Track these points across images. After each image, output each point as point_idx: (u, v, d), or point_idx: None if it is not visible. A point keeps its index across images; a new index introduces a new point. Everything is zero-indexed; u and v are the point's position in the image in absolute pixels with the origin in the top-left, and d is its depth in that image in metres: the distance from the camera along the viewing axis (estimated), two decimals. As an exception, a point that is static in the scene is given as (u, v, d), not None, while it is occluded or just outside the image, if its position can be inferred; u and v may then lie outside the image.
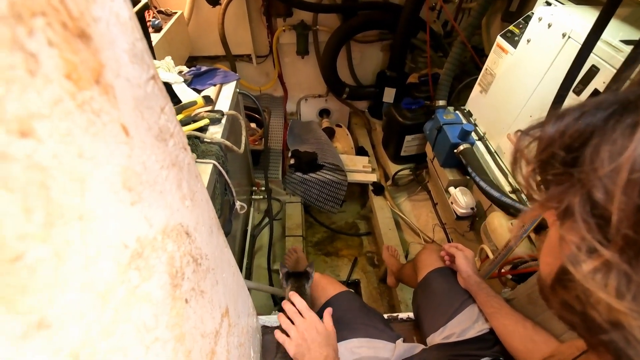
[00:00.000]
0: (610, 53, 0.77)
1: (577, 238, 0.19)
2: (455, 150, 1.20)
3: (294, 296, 0.66)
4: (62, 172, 0.13)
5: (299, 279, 0.77)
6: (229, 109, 1.02)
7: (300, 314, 0.64)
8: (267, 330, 0.84)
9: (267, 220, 1.63)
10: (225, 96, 1.08)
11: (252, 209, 1.65)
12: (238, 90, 1.17)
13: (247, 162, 1.55)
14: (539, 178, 0.23)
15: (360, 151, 2.05)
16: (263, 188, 1.58)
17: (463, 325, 0.72)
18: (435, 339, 0.74)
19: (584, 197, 0.19)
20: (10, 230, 0.11)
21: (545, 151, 0.22)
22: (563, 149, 0.21)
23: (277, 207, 1.82)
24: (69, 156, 0.14)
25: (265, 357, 0.77)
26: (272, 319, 0.86)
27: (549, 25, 0.94)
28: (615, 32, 0.82)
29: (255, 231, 1.63)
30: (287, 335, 0.61)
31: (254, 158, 1.67)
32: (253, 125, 1.85)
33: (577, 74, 0.74)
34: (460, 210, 1.21)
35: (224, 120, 0.96)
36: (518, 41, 1.06)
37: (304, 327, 0.61)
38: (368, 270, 1.83)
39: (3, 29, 0.11)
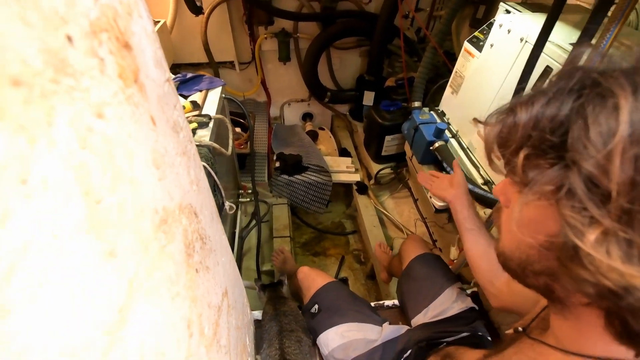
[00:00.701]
0: (561, 55, 0.87)
1: (579, 214, 0.22)
2: (431, 148, 1.29)
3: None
4: (120, 146, 0.18)
5: (273, 289, 0.85)
6: (216, 113, 1.06)
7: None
8: (258, 324, 0.87)
9: (254, 222, 1.66)
10: (211, 101, 1.12)
11: (239, 212, 1.67)
12: (224, 95, 1.21)
13: (234, 165, 1.58)
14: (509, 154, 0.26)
15: (343, 152, 2.11)
16: (250, 191, 1.62)
17: (444, 306, 0.78)
18: (419, 320, 0.80)
19: (583, 177, 0.21)
20: (95, 181, 0.15)
21: (523, 136, 0.25)
22: (549, 133, 0.23)
23: (264, 209, 1.86)
24: (123, 135, 0.18)
25: (256, 348, 0.80)
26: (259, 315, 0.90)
27: (509, 31, 1.04)
28: (567, 36, 0.92)
29: (243, 233, 1.66)
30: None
31: (239, 162, 1.70)
32: (238, 129, 1.89)
33: (530, 72, 0.83)
34: (438, 204, 1.29)
35: (211, 124, 0.99)
36: (483, 46, 1.15)
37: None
38: (355, 268, 1.88)
39: (88, 41, 0.15)
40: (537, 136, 0.24)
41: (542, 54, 0.82)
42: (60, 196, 0.12)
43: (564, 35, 0.90)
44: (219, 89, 1.19)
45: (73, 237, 0.13)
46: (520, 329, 0.42)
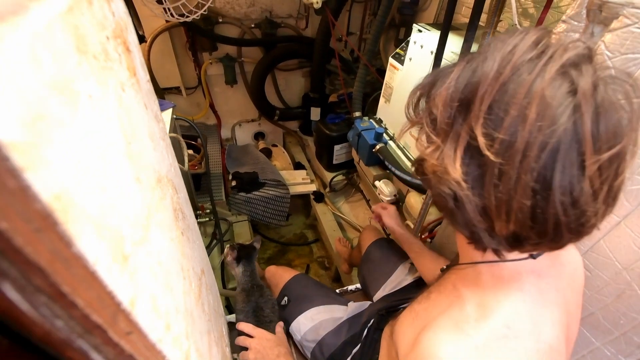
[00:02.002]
0: (456, 59, 1.09)
1: (424, 136, 0.35)
2: (373, 150, 1.45)
3: (240, 325, 0.76)
4: (133, 113, 0.25)
5: (248, 256, 0.87)
6: (169, 133, 1.10)
7: (251, 335, 0.74)
8: (232, 327, 0.90)
9: (215, 241, 1.66)
10: (164, 122, 1.16)
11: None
12: (175, 116, 1.25)
13: (190, 185, 1.59)
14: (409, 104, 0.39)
15: (297, 166, 2.22)
16: (208, 210, 1.63)
17: (399, 279, 0.89)
18: (379, 295, 0.90)
19: (428, 112, 0.35)
20: (126, 129, 0.23)
21: (418, 89, 0.38)
22: (427, 87, 0.36)
23: (225, 227, 1.86)
24: (133, 107, 0.26)
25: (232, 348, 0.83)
26: (233, 317, 0.93)
27: (422, 47, 1.25)
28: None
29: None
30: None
31: (195, 182, 1.71)
32: (190, 151, 1.90)
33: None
34: (386, 199, 1.44)
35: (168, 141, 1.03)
36: (404, 60, 1.37)
37: (255, 343, 0.73)
38: (321, 274, 1.95)
39: (112, 43, 0.23)
40: (421, 88, 0.37)
41: (442, 60, 1.02)
42: (115, 130, 0.20)
43: (459, 45, 1.12)
44: (170, 110, 1.23)
45: (121, 158, 0.21)
46: (444, 267, 0.54)
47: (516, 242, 0.33)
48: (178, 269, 0.31)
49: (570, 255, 0.46)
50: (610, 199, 0.30)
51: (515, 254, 0.37)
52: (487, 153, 0.29)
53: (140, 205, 0.23)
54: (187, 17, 0.97)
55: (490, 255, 0.39)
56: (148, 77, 0.35)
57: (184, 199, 0.44)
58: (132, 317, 0.17)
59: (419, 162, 0.37)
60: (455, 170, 0.31)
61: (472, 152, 0.31)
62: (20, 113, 0.10)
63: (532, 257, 0.39)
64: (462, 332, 0.37)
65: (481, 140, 0.29)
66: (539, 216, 0.30)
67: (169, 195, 0.34)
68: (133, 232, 0.20)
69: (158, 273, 0.23)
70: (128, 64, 0.26)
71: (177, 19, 1.00)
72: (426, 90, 0.36)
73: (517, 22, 0.69)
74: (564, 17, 0.55)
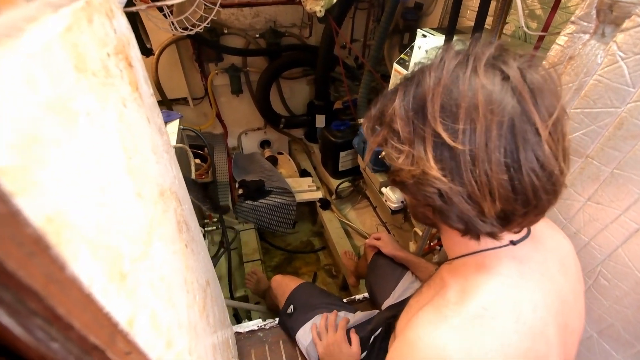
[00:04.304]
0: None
1: (392, 149, 0.37)
2: (379, 156, 1.44)
3: (333, 314, 0.80)
4: (135, 128, 0.25)
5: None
6: (176, 143, 1.11)
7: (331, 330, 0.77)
8: (239, 337, 0.89)
9: (223, 250, 1.66)
10: (170, 132, 1.17)
11: (206, 241, 1.67)
12: (181, 127, 1.27)
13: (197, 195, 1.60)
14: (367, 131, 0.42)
15: (303, 173, 2.22)
16: (215, 219, 1.63)
17: (405, 286, 0.88)
18: (388, 303, 0.88)
19: (389, 129, 0.38)
20: (127, 143, 0.23)
21: (370, 118, 0.41)
22: (378, 113, 0.40)
23: (232, 236, 1.86)
24: (135, 122, 0.26)
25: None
26: (243, 326, 0.92)
27: (426, 51, 1.25)
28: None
29: (213, 261, 1.64)
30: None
31: (202, 192, 1.72)
32: (197, 161, 1.92)
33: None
34: (393, 205, 1.43)
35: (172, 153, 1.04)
36: (408, 65, 1.36)
37: (332, 341, 0.76)
38: (328, 282, 1.93)
39: (114, 59, 0.24)
40: (373, 116, 0.41)
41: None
42: (115, 145, 0.20)
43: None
44: (177, 121, 1.25)
45: (122, 173, 0.21)
46: (437, 266, 0.54)
47: (506, 219, 0.36)
48: (181, 282, 0.31)
49: (556, 241, 0.48)
50: (566, 158, 0.35)
51: (498, 241, 0.40)
52: (454, 144, 0.33)
53: (142, 220, 0.23)
54: (191, 30, 0.99)
55: (474, 246, 0.42)
56: (152, 90, 0.35)
57: (188, 210, 0.44)
58: (131, 336, 0.17)
59: (395, 175, 0.39)
60: (431, 167, 0.34)
61: (440, 148, 0.34)
62: (11, 138, 0.10)
63: (512, 243, 0.42)
64: (441, 314, 0.39)
65: (445, 135, 0.33)
66: (518, 187, 0.33)
67: (172, 207, 0.34)
68: (133, 248, 0.19)
69: (159, 288, 0.23)
70: (130, 79, 0.26)
71: (181, 32, 1.02)
72: (377, 118, 0.40)
73: (523, 25, 0.68)
74: (572, 18, 0.55)
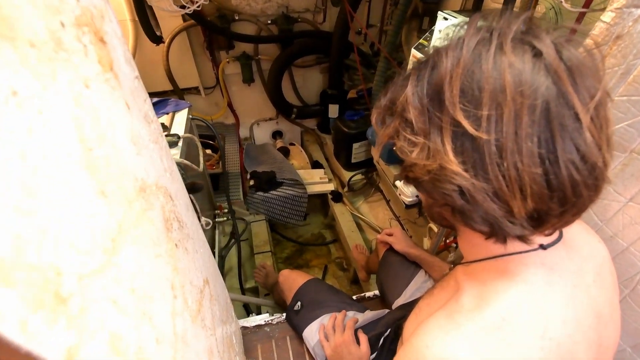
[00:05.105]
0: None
1: (405, 141, 0.33)
2: (394, 148, 1.38)
3: (341, 314, 0.77)
4: (103, 114, 0.22)
5: None
6: (184, 133, 1.09)
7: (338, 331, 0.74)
8: (246, 331, 0.88)
9: (233, 240, 1.65)
10: (179, 122, 1.15)
11: (217, 232, 1.66)
12: (190, 116, 1.25)
13: (207, 186, 1.59)
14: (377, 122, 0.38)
15: (315, 165, 2.18)
16: (226, 210, 1.62)
17: (417, 285, 0.83)
18: (399, 302, 0.84)
19: (401, 119, 0.34)
20: (87, 133, 0.19)
21: (380, 108, 0.37)
22: (388, 102, 0.36)
23: (242, 227, 1.86)
24: (104, 106, 0.22)
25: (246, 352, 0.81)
26: (250, 321, 0.90)
27: (440, 31, 1.17)
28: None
29: (223, 252, 1.64)
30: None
31: (213, 182, 1.71)
32: (208, 151, 1.90)
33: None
34: (407, 199, 1.37)
35: (180, 143, 1.02)
36: (428, 51, 1.28)
37: (339, 342, 0.72)
38: (339, 276, 1.91)
39: (74, 30, 0.20)
40: (383, 106, 0.36)
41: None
42: (65, 135, 0.16)
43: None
44: (186, 111, 1.23)
45: (74, 169, 0.17)
46: (452, 265, 0.50)
47: (539, 219, 0.31)
48: (165, 288, 0.28)
49: (593, 248, 0.42)
50: (610, 147, 0.31)
51: (524, 245, 0.35)
52: (477, 134, 0.28)
53: (105, 224, 0.19)
54: (188, 8, 0.95)
55: (497, 249, 0.38)
56: (136, 73, 0.31)
57: (183, 206, 0.41)
58: (72, 373, 0.13)
59: (408, 170, 0.35)
60: (450, 161, 0.30)
61: (461, 139, 0.30)
62: None
63: (542, 247, 0.38)
64: (453, 321, 0.36)
65: (466, 123, 0.29)
66: (554, 182, 0.29)
67: (158, 204, 0.30)
68: (84, 262, 0.16)
69: (128, 304, 0.20)
70: (100, 57, 0.23)
71: (179, 10, 0.98)
72: (388, 108, 0.36)
73: (562, 0, 0.60)
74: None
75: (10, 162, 0.12)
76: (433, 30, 1.31)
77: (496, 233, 0.33)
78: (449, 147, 0.30)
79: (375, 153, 1.62)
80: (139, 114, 0.30)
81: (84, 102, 0.19)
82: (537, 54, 0.29)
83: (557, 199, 0.30)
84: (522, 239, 0.34)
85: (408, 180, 0.36)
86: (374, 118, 0.38)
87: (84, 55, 0.20)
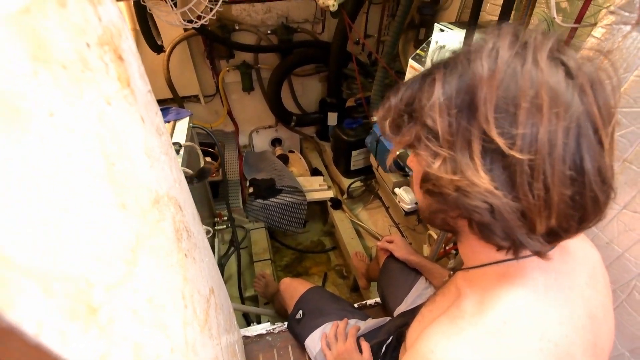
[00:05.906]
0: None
1: (426, 151, 0.32)
2: (398, 155, 1.39)
3: (343, 322, 0.77)
4: (122, 129, 0.22)
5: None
6: (185, 142, 1.09)
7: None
8: (247, 341, 0.87)
9: (233, 248, 1.65)
10: (180, 130, 1.16)
11: (216, 240, 1.66)
12: (192, 124, 1.26)
13: (207, 193, 1.59)
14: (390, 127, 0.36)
15: (314, 172, 2.19)
16: (225, 218, 1.62)
17: (419, 292, 0.84)
18: (401, 309, 0.84)
19: (421, 126, 0.32)
20: (109, 148, 0.20)
21: (392, 110, 0.35)
22: (404, 105, 0.34)
23: (242, 235, 1.85)
24: (123, 122, 0.23)
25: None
26: (251, 330, 0.90)
27: (444, 46, 1.19)
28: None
29: (223, 260, 1.64)
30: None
31: (212, 190, 1.71)
32: (208, 159, 1.91)
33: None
34: (407, 207, 1.38)
35: (181, 152, 1.03)
36: (424, 61, 1.31)
37: (342, 350, 0.72)
38: (339, 283, 1.90)
39: (96, 50, 0.21)
40: (398, 109, 0.35)
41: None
42: (92, 152, 0.17)
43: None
44: (187, 119, 1.24)
45: (101, 184, 0.18)
46: (451, 273, 0.50)
47: (556, 235, 0.32)
48: (177, 298, 0.28)
49: (585, 250, 0.43)
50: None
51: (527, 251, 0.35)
52: (512, 152, 0.28)
53: (125, 236, 0.20)
54: (196, 22, 0.97)
55: (498, 255, 0.38)
56: (149, 87, 0.32)
57: (190, 215, 0.41)
58: (101, 382, 0.14)
59: (429, 183, 0.34)
60: (482, 178, 0.29)
61: (491, 155, 0.29)
62: None
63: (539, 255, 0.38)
64: (455, 326, 0.36)
65: (500, 141, 0.28)
66: (578, 201, 0.29)
67: (169, 215, 0.31)
68: (110, 273, 0.17)
69: (145, 314, 0.20)
70: (119, 74, 0.24)
71: (186, 25, 1.00)
72: (401, 111, 0.34)
73: (555, 15, 0.63)
74: (612, 8, 0.49)
75: (45, 183, 0.13)
76: (430, 41, 1.34)
77: (516, 248, 0.33)
78: (479, 162, 0.29)
79: (374, 161, 1.64)
80: (152, 127, 0.31)
81: (105, 119, 0.20)
82: (569, 75, 0.29)
83: (578, 217, 0.30)
84: (540, 254, 0.34)
85: (429, 193, 0.34)
86: (379, 120, 0.37)
87: (105, 73, 0.21)
